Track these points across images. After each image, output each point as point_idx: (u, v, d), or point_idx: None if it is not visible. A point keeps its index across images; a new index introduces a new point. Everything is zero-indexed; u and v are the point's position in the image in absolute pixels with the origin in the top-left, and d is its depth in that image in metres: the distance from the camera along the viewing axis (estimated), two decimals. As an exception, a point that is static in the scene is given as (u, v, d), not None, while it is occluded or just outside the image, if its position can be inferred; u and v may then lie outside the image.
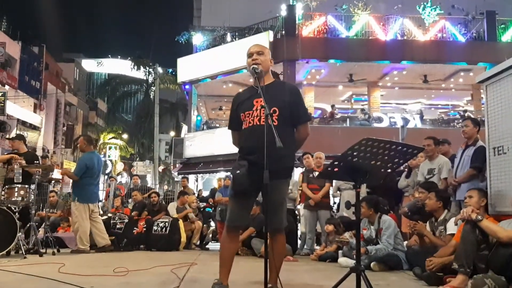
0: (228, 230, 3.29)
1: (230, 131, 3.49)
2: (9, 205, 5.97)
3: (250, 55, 3.31)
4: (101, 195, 13.84)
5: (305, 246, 7.29)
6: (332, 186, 7.34)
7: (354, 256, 4.46)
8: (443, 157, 5.94)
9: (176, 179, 23.32)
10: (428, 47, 17.95)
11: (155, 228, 7.89)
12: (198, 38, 21.52)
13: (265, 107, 2.91)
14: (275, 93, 3.20)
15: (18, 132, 26.80)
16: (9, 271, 4.40)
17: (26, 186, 6.24)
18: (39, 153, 22.75)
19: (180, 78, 21.44)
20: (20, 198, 6.12)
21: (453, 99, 22.99)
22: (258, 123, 3.17)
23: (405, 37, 18.40)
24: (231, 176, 3.28)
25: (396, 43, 18.13)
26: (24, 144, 7.05)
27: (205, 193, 14.63)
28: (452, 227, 4.39)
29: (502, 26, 18.79)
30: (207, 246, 8.79)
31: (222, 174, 16.50)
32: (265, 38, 17.51)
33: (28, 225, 6.28)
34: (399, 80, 20.12)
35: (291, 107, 3.23)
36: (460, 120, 14.47)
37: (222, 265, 3.25)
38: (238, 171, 3.13)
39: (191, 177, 20.70)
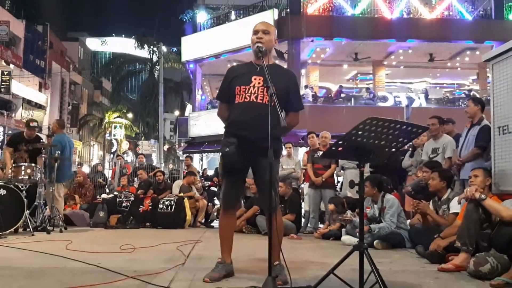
0: (224, 209, 3.34)
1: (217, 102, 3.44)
2: (16, 184, 6.05)
3: (255, 32, 3.26)
4: (108, 173, 13.98)
5: (308, 225, 7.35)
6: (337, 166, 7.36)
7: (357, 234, 4.50)
8: (448, 137, 5.93)
9: (181, 158, 23.40)
10: (434, 25, 17.72)
11: (160, 206, 7.98)
12: (202, 16, 21.33)
13: (270, 86, 2.86)
14: (273, 76, 3.10)
15: (23, 111, 26.92)
16: (18, 248, 4.48)
17: (33, 164, 6.31)
18: (44, 132, 22.85)
19: (184, 57, 21.34)
20: (27, 177, 6.19)
21: (458, 78, 22.80)
22: (254, 100, 3.13)
23: (411, 15, 18.15)
24: (221, 155, 3.29)
25: (402, 21, 17.90)
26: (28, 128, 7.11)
27: (210, 172, 14.71)
28: (455, 206, 4.42)
29: (510, 4, 18.47)
30: (212, 224, 8.88)
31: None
32: (269, 16, 17.32)
33: (35, 203, 6.37)
34: (405, 59, 19.93)
35: (286, 93, 3.21)
36: (466, 100, 14.36)
37: (223, 243, 3.31)
38: (228, 149, 3.14)
39: (196, 156, 20.80)
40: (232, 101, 3.25)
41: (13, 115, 26.16)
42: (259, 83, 3.15)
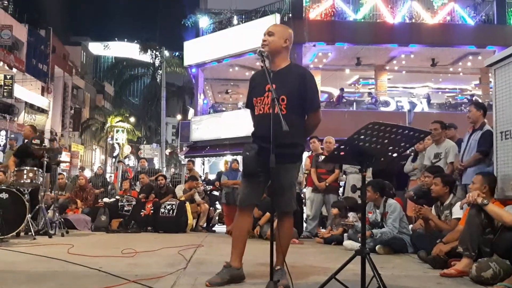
0: (239, 210, 3.32)
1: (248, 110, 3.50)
2: (18, 187, 6.05)
3: (263, 35, 3.27)
4: (109, 178, 13.99)
5: (304, 229, 7.34)
6: (341, 171, 7.35)
7: (359, 239, 4.49)
8: (450, 141, 5.93)
9: (183, 162, 23.41)
10: (436, 30, 17.73)
11: (162, 210, 7.98)
12: (204, 21, 21.39)
13: (272, 91, 2.88)
14: (286, 79, 3.13)
15: (26, 115, 26.98)
16: (19, 252, 4.49)
17: (35, 168, 6.31)
18: (47, 136, 22.90)
19: (187, 62, 21.39)
20: (29, 180, 6.19)
21: (461, 83, 22.78)
22: (268, 111, 3.11)
23: (413, 20, 18.16)
24: (242, 157, 3.32)
25: (404, 26, 17.91)
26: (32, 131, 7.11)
27: (212, 177, 14.71)
28: (458, 211, 4.40)
29: (512, 9, 18.48)
30: (213, 229, 8.88)
31: (229, 157, 16.54)
32: (271, 21, 17.33)
33: (37, 207, 6.37)
34: (407, 64, 19.93)
35: (300, 94, 3.17)
36: (468, 105, 14.35)
37: (234, 245, 3.26)
38: (248, 153, 3.16)
39: (198, 160, 20.80)
40: (254, 111, 3.35)
41: (16, 119, 26.21)
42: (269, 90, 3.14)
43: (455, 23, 18.28)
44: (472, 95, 20.25)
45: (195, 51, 20.63)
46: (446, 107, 19.55)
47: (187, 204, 8.12)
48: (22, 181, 6.14)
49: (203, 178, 13.93)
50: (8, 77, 24.16)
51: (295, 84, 3.18)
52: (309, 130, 3.33)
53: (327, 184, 7.05)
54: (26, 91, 26.83)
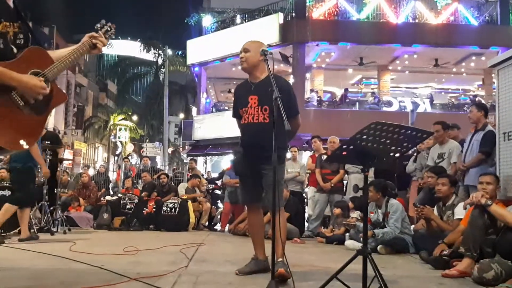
0: (248, 209, 3.76)
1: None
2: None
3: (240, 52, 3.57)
4: (112, 176, 14.02)
5: (306, 228, 7.34)
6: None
7: (361, 239, 4.49)
8: (454, 142, 5.92)
9: (185, 161, 23.44)
10: (440, 31, 17.67)
11: (164, 208, 7.99)
12: (207, 20, 21.37)
13: (274, 90, 3.04)
14: (266, 89, 3.26)
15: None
16: (22, 249, 4.49)
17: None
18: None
19: (190, 60, 21.38)
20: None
21: (464, 83, 22.71)
22: (252, 121, 3.48)
23: (416, 20, 18.10)
24: (232, 160, 3.60)
25: (408, 26, 17.86)
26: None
27: (214, 175, 14.71)
28: (460, 212, 4.39)
29: (516, 10, 18.41)
30: (215, 227, 8.89)
31: (231, 156, 16.53)
32: (274, 20, 17.33)
33: (39, 204, 6.39)
34: (410, 64, 19.88)
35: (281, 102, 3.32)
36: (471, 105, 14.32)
37: (254, 241, 3.61)
38: (235, 157, 3.61)
39: (200, 159, 20.81)
40: (240, 120, 3.66)
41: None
42: (255, 103, 3.47)
43: (459, 23, 18.22)
44: (475, 96, 20.17)
45: (198, 50, 20.62)
46: (449, 107, 19.50)
47: (189, 203, 8.14)
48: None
49: (205, 176, 13.94)
50: (11, 74, 24.23)
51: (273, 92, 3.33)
52: (290, 134, 3.48)
53: (332, 185, 7.04)
54: (29, 88, 26.89)
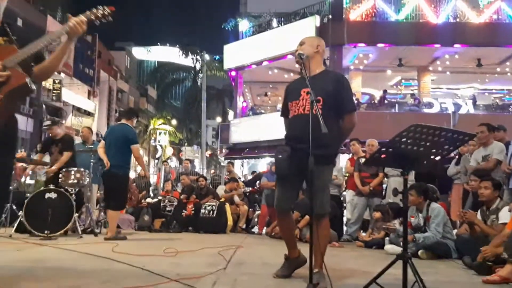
0: (278, 213, 3.48)
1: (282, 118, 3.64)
2: (66, 187, 6.29)
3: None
4: (153, 178, 14.31)
5: (345, 232, 7.25)
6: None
7: (401, 244, 4.41)
8: (498, 143, 5.73)
9: (222, 164, 23.65)
10: (482, 30, 17.11)
11: (202, 211, 8.10)
12: (244, 25, 21.54)
13: (310, 93, 2.94)
14: (322, 82, 3.24)
15: (73, 118, 27.99)
16: (67, 250, 4.67)
17: (82, 169, 6.52)
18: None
19: (227, 65, 21.60)
20: (76, 181, 6.42)
21: (508, 83, 21.89)
22: (302, 112, 3.27)
23: (457, 20, 17.61)
24: (274, 160, 3.41)
25: (448, 25, 17.40)
26: (60, 128, 6.94)
27: (250, 177, 14.78)
28: (505, 216, 4.25)
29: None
30: (252, 230, 8.92)
31: (267, 159, 16.54)
32: (311, 23, 17.27)
33: (83, 207, 6.60)
34: (451, 64, 19.34)
35: (336, 96, 3.26)
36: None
37: (287, 244, 3.51)
38: (280, 156, 3.26)
39: (237, 162, 20.94)
40: (288, 117, 3.49)
41: (63, 121, 27.25)
42: (307, 94, 3.22)
43: (502, 22, 17.60)
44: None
45: (235, 54, 20.81)
46: (493, 108, 18.86)
47: (227, 205, 8.22)
48: (70, 182, 6.38)
49: (242, 179, 14.02)
50: (56, 81, 25.13)
51: (331, 87, 3.27)
52: (344, 133, 3.40)
53: (371, 188, 6.94)
54: (74, 94, 27.82)
